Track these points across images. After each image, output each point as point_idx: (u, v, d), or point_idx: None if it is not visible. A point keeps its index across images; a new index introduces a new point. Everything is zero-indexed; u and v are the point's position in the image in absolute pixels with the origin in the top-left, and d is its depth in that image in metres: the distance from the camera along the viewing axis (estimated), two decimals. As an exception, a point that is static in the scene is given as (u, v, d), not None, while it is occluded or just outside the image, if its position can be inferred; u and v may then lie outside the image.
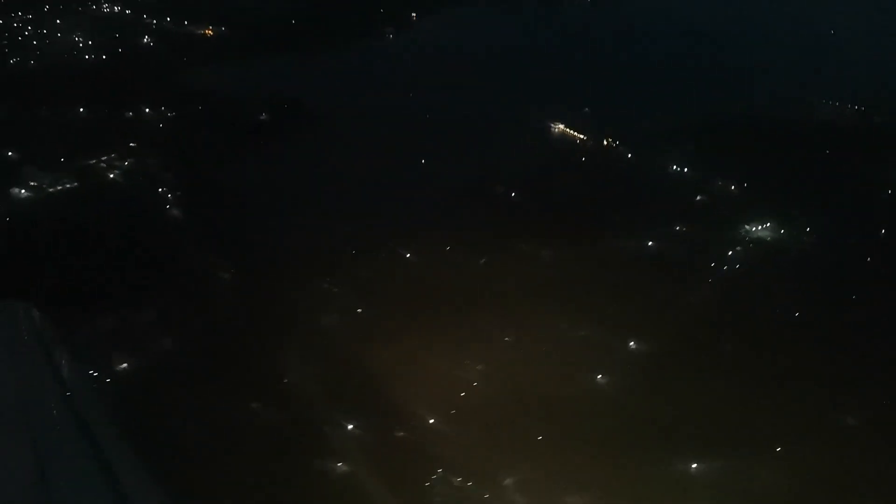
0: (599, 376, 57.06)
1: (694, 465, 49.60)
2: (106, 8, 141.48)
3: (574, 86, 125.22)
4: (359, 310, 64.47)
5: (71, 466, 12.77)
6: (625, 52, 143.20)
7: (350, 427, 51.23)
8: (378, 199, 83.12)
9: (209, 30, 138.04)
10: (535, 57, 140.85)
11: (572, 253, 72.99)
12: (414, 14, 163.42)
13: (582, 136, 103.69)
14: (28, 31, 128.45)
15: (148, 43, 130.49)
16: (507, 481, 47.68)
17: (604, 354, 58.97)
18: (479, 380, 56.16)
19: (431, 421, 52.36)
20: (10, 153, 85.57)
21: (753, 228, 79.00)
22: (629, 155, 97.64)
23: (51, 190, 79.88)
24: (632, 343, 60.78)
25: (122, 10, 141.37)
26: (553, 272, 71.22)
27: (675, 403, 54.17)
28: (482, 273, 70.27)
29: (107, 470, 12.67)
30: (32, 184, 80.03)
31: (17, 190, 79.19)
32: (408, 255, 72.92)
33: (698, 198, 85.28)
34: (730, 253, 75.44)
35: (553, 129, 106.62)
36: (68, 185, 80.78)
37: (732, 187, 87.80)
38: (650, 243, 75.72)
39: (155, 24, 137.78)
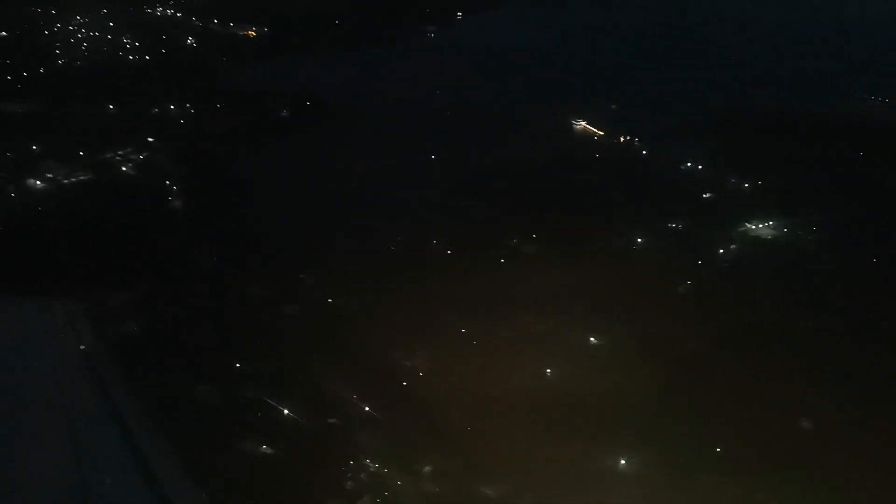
0: (549, 370, 56.06)
1: (623, 462, 48.21)
2: (158, 11, 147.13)
3: (606, 82, 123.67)
4: (329, 299, 65.27)
5: (110, 462, 13.18)
6: (670, 48, 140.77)
7: (286, 412, 51.83)
8: (378, 195, 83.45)
9: (252, 31, 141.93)
10: (572, 54, 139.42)
11: (555, 248, 72.12)
12: (459, 14, 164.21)
13: (601, 133, 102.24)
14: (81, 32, 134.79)
15: (192, 44, 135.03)
16: (426, 469, 47.57)
17: (557, 349, 57.98)
18: (426, 372, 56.13)
19: (367, 409, 52.65)
20: (33, 146, 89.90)
21: (753, 227, 76.14)
22: (643, 152, 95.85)
23: (65, 182, 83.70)
24: (591, 338, 59.51)
25: (174, 13, 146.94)
26: (535, 268, 70.08)
27: (618, 399, 52.87)
28: (464, 267, 69.97)
29: (144, 466, 13.12)
30: (49, 175, 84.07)
31: (32, 181, 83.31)
32: (392, 248, 73.29)
33: (706, 195, 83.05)
34: (720, 251, 73.15)
35: (575, 126, 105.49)
36: (82, 178, 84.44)
37: (746, 185, 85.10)
38: (640, 239, 74.04)
39: (201, 25, 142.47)
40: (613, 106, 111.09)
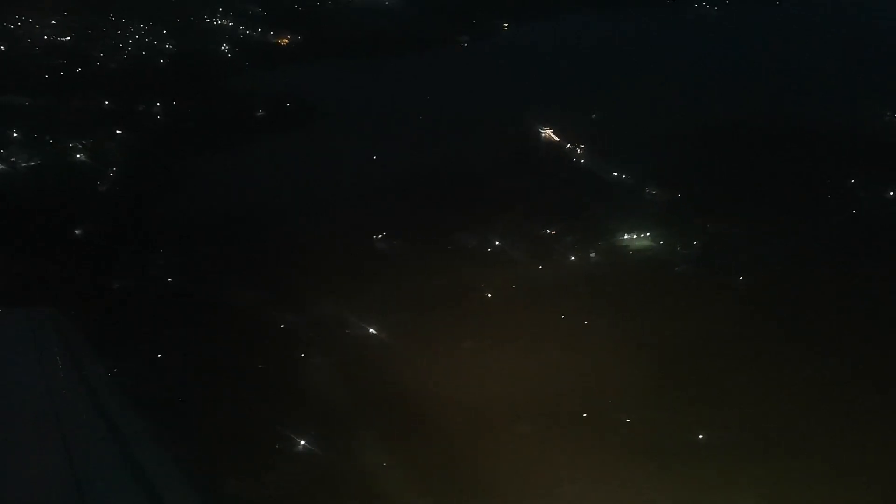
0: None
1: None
2: (195, 17, 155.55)
3: (602, 92, 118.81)
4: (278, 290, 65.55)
5: (103, 469, 13.34)
6: (680, 59, 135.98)
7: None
8: (340, 202, 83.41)
9: (286, 39, 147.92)
10: (586, 63, 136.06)
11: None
12: (506, 24, 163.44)
13: (556, 140, 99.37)
14: (118, 33, 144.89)
15: (224, 50, 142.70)
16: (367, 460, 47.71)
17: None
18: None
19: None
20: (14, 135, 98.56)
21: (628, 236, 71.89)
22: (582, 161, 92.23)
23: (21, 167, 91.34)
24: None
25: (210, 20, 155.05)
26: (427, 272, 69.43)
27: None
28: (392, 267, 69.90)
29: (139, 471, 13.25)
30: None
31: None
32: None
33: (601, 203, 79.23)
34: (572, 258, 69.87)
35: (541, 135, 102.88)
36: (33, 164, 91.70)
37: (657, 195, 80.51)
38: (497, 242, 71.82)
39: (237, 31, 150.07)
40: (594, 116, 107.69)
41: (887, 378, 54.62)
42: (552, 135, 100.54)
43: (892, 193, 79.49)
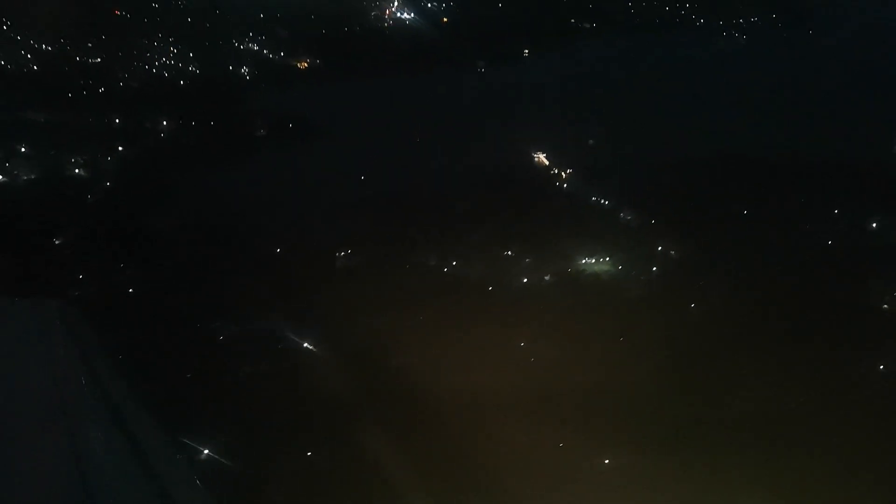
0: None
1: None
2: (223, 40, 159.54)
3: (607, 119, 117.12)
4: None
5: (110, 463, 13.25)
6: (694, 87, 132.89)
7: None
8: (316, 220, 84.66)
9: (304, 62, 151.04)
10: (607, 91, 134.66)
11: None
12: (526, 50, 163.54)
13: (546, 164, 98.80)
14: (147, 55, 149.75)
15: (244, 72, 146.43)
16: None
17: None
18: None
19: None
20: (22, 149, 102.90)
21: (587, 260, 70.96)
22: (565, 185, 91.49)
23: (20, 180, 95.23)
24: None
25: (238, 44, 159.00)
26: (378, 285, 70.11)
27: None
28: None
29: (146, 465, 13.18)
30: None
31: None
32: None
33: (567, 225, 78.44)
34: (524, 280, 69.01)
35: (533, 159, 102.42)
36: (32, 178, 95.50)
37: (631, 219, 79.31)
38: (455, 262, 71.74)
39: (261, 54, 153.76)
40: (591, 141, 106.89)
41: (840, 414, 53.09)
42: (543, 159, 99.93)
43: (874, 225, 76.61)
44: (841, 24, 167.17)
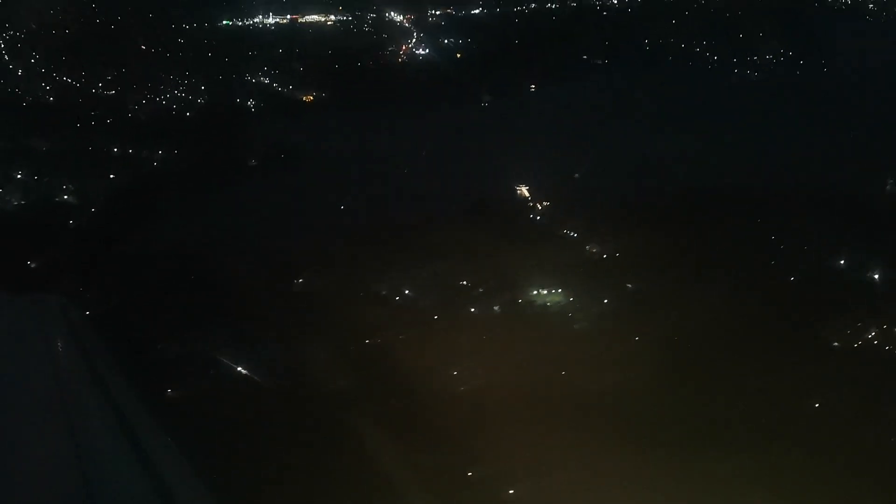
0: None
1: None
2: (236, 73, 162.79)
3: (609, 153, 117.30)
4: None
5: (111, 461, 13.05)
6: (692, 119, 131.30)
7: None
8: (282, 248, 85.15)
9: (310, 96, 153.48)
10: (610, 126, 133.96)
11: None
12: (533, 85, 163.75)
13: (527, 197, 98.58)
14: (160, 87, 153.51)
15: (250, 105, 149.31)
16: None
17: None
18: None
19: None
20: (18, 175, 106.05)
21: (536, 293, 70.25)
22: (538, 217, 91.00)
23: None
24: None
25: (250, 77, 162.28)
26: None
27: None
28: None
29: (148, 465, 12.84)
30: None
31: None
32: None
33: (526, 259, 77.70)
34: (495, 308, 68.48)
35: (515, 192, 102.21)
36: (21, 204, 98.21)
37: (599, 253, 78.45)
38: (407, 291, 71.49)
39: (270, 88, 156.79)
40: (576, 175, 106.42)
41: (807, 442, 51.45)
42: (525, 191, 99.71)
43: (841, 262, 74.59)
44: (855, 63, 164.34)
